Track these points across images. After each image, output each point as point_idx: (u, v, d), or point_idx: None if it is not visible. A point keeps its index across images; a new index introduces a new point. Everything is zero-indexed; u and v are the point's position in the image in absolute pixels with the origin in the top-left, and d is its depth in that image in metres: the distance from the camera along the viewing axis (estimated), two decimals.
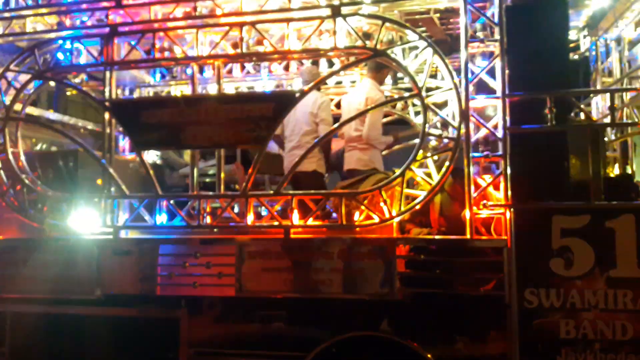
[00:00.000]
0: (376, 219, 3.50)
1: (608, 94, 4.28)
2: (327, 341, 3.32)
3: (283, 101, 3.72)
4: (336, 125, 3.87)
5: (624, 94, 4.49)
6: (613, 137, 4.72)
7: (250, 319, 3.45)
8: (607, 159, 4.69)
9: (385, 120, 5.43)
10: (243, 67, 5.77)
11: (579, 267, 3.05)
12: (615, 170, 4.77)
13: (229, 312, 3.49)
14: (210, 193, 4.57)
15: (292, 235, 3.53)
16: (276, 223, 3.64)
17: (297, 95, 3.79)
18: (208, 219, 3.86)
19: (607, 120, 3.77)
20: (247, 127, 3.67)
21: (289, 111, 3.77)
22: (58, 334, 3.73)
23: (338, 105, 5.36)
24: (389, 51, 3.73)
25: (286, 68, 5.86)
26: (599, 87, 5.00)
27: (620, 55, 4.78)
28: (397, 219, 3.47)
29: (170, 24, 4.06)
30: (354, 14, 3.77)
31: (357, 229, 3.53)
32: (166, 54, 4.49)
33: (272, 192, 3.79)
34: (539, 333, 3.06)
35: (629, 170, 4.65)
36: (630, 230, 3.03)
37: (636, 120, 4.09)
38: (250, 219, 3.71)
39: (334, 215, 3.77)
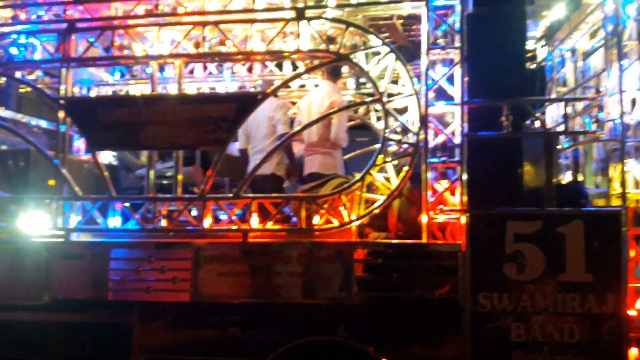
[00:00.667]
0: (336, 223, 3.50)
1: (562, 103, 4.47)
2: (284, 346, 3.29)
3: (245, 102, 3.69)
4: (298, 128, 3.86)
5: (577, 103, 4.63)
6: (566, 145, 4.86)
7: (205, 325, 3.39)
8: (560, 167, 4.84)
9: (348, 124, 5.46)
10: (205, 68, 5.68)
11: (530, 271, 3.12)
12: (566, 178, 4.92)
13: (183, 317, 3.42)
14: (167, 195, 4.49)
15: (250, 240, 3.49)
16: (235, 227, 3.59)
17: (260, 97, 3.76)
18: (164, 223, 3.78)
19: (561, 128, 3.88)
20: (208, 128, 3.62)
21: (251, 113, 3.73)
22: (3, 342, 3.58)
23: None
24: (351, 56, 3.75)
25: (249, 69, 5.82)
26: (553, 96, 5.15)
27: (575, 66, 4.94)
28: (356, 223, 3.48)
29: (130, 22, 3.97)
30: (318, 17, 3.78)
31: (317, 233, 3.52)
32: (126, 51, 4.39)
33: (231, 195, 3.75)
34: (491, 336, 3.11)
35: (579, 178, 4.80)
36: (579, 236, 3.12)
37: (588, 129, 4.23)
38: (207, 222, 3.65)
39: (294, 219, 3.76)
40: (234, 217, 3.66)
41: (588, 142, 4.22)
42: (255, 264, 3.41)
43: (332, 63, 3.85)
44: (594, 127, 4.19)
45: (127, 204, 3.81)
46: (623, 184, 3.37)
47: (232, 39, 3.94)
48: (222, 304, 3.39)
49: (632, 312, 3.33)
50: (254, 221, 3.56)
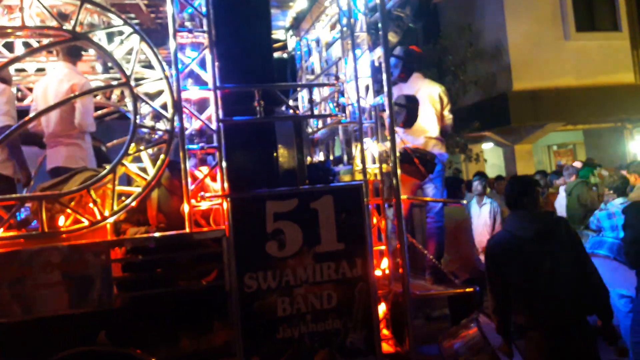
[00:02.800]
0: (86, 223, 3.14)
1: (311, 89, 4.79)
2: None
3: None
4: (33, 114, 3.33)
5: (323, 89, 5.04)
6: (316, 128, 5.25)
7: None
8: (312, 148, 5.22)
9: (101, 112, 4.97)
10: None
11: (290, 247, 3.29)
12: (320, 158, 5.34)
13: None
14: None
15: None
16: None
17: None
18: None
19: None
20: None
21: None
22: None
23: None
24: (91, 35, 3.38)
25: None
26: (304, 82, 5.51)
27: (320, 55, 5.35)
28: (110, 220, 3.18)
29: None
30: None
31: (64, 235, 3.11)
32: None
33: None
34: (259, 315, 3.19)
35: (331, 157, 5.26)
36: (330, 209, 3.39)
37: (332, 112, 4.63)
38: None
39: (35, 222, 3.25)
40: None
41: (334, 125, 4.62)
42: None
43: (67, 42, 3.41)
44: (336, 110, 4.59)
45: None
46: (363, 160, 3.78)
47: None
48: None
49: (378, 272, 3.80)
50: None
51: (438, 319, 6.16)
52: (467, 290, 4.30)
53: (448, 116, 4.71)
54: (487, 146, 14.70)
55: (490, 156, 14.27)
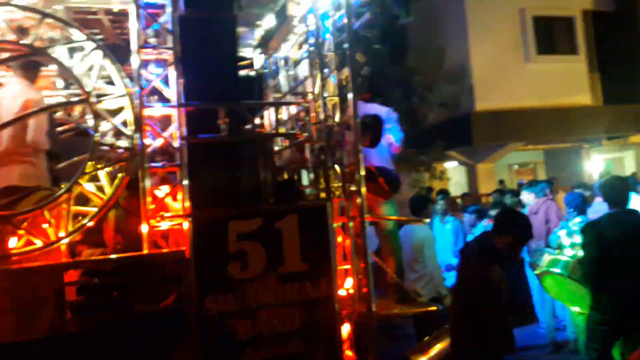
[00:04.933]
0: (39, 244, 3.02)
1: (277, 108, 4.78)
2: None
3: None
4: None
5: (290, 107, 5.03)
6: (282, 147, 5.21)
7: None
8: (280, 167, 5.17)
9: (61, 129, 4.82)
10: None
11: (253, 268, 3.22)
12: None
13: None
14: None
15: None
16: None
17: None
18: None
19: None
20: None
21: None
22: None
23: None
24: (50, 51, 3.29)
25: None
26: (270, 101, 5.49)
27: (287, 73, 5.35)
28: (65, 241, 3.06)
29: None
30: (6, 4, 3.21)
31: (14, 258, 2.98)
32: None
33: None
34: (220, 339, 3.11)
35: (296, 177, 5.23)
36: (294, 229, 3.35)
37: (296, 131, 4.62)
38: None
39: None
40: None
41: (302, 143, 4.60)
42: None
43: (24, 57, 3.31)
44: (303, 130, 4.58)
45: None
46: (327, 179, 3.77)
47: None
48: None
49: (342, 292, 3.76)
50: None
51: (402, 338, 6.17)
52: (431, 308, 4.32)
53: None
54: (450, 165, 14.98)
55: (454, 175, 14.55)
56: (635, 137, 14.64)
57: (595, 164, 14.64)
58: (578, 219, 5.11)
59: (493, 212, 6.99)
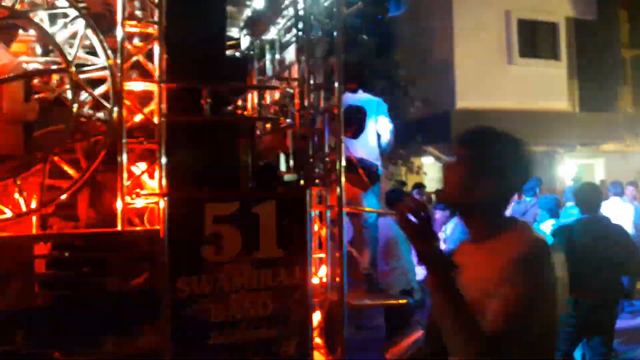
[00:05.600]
0: (9, 214, 2.93)
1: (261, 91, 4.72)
2: None
3: None
4: None
5: (274, 91, 4.98)
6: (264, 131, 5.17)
7: None
8: (256, 150, 5.12)
9: (38, 96, 4.67)
10: None
11: (228, 252, 3.19)
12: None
13: None
14: None
15: None
16: None
17: None
18: None
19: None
20: None
21: None
22: None
23: None
24: (31, 15, 3.17)
25: None
26: (255, 84, 5.42)
27: (273, 57, 5.28)
28: (36, 213, 2.98)
29: None
30: None
31: None
32: None
33: None
34: (190, 321, 3.08)
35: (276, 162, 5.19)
36: (272, 215, 3.33)
37: (279, 116, 4.58)
38: None
39: None
40: None
41: (285, 129, 4.56)
42: None
43: (4, 19, 3.19)
44: (286, 115, 4.54)
45: None
46: (307, 166, 3.75)
47: None
48: None
49: (315, 280, 3.77)
50: None
51: (371, 329, 6.24)
52: (402, 301, 4.37)
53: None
54: (427, 160, 15.12)
55: (430, 170, 14.70)
56: (606, 145, 15.01)
57: (568, 169, 14.96)
58: (551, 221, 5.22)
59: None
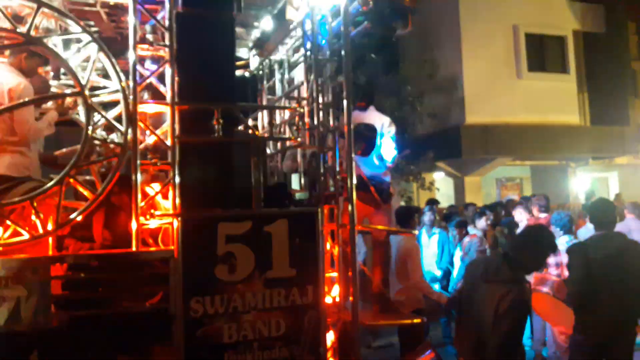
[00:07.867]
0: (26, 236, 2.97)
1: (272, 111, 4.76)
2: None
3: None
4: None
5: (285, 111, 5.02)
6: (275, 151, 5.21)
7: None
8: (272, 170, 5.17)
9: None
10: None
11: (241, 271, 3.19)
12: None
13: None
14: None
15: None
16: None
17: None
18: None
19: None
20: None
21: None
22: None
23: None
24: (46, 40, 3.24)
25: None
26: (264, 103, 5.48)
27: (282, 77, 5.34)
28: (53, 234, 3.01)
29: None
30: None
31: (1, 248, 2.93)
32: None
33: None
34: (203, 341, 3.07)
35: (289, 181, 5.21)
36: (284, 233, 3.33)
37: (290, 135, 4.61)
38: None
39: None
40: None
41: (295, 148, 4.59)
42: None
43: (20, 46, 3.27)
44: (296, 134, 4.57)
45: None
46: (318, 185, 3.76)
47: None
48: None
49: (328, 300, 3.75)
50: None
51: (384, 348, 6.18)
52: (415, 320, 4.33)
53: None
54: (438, 176, 15.08)
55: (441, 186, 14.65)
56: (619, 159, 14.89)
57: (581, 182, 14.83)
58: (565, 238, 5.16)
59: (473, 230, 6.97)
